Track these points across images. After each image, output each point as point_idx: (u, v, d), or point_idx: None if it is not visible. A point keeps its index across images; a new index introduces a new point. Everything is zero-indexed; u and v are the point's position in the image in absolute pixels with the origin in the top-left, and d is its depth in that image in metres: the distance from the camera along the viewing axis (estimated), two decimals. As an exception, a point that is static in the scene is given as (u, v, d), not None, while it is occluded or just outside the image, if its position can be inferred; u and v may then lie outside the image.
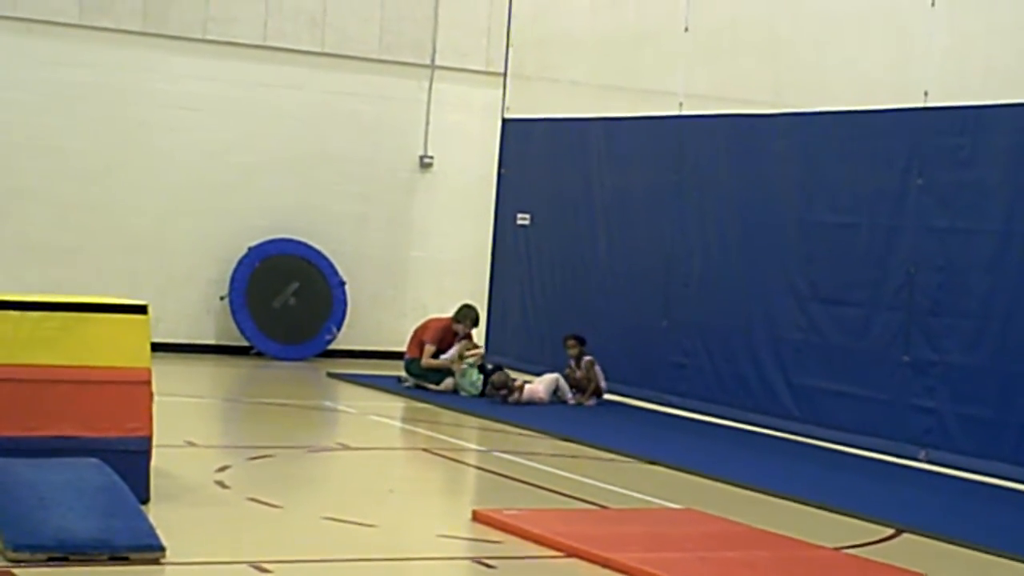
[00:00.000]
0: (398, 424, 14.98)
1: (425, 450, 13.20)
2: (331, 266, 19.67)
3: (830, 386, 13.78)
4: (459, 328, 16.89)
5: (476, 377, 16.35)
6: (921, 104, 13.09)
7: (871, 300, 13.46)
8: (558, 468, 12.02)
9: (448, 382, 16.57)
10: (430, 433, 14.10)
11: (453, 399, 16.05)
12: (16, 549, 7.62)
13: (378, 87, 20.06)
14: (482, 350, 16.94)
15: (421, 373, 16.69)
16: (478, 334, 17.49)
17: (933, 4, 13.08)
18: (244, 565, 7.98)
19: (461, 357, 16.60)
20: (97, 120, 18.71)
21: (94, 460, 8.63)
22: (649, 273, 16.14)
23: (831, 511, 10.72)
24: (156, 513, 8.61)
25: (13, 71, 18.33)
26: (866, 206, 13.59)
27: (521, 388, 16.03)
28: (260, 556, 8.15)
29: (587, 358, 16.27)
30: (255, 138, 19.46)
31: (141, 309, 9.50)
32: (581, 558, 8.56)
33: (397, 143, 20.24)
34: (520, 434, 14.08)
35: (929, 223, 12.99)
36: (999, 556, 9.53)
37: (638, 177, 16.41)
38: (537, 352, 17.42)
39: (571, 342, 16.38)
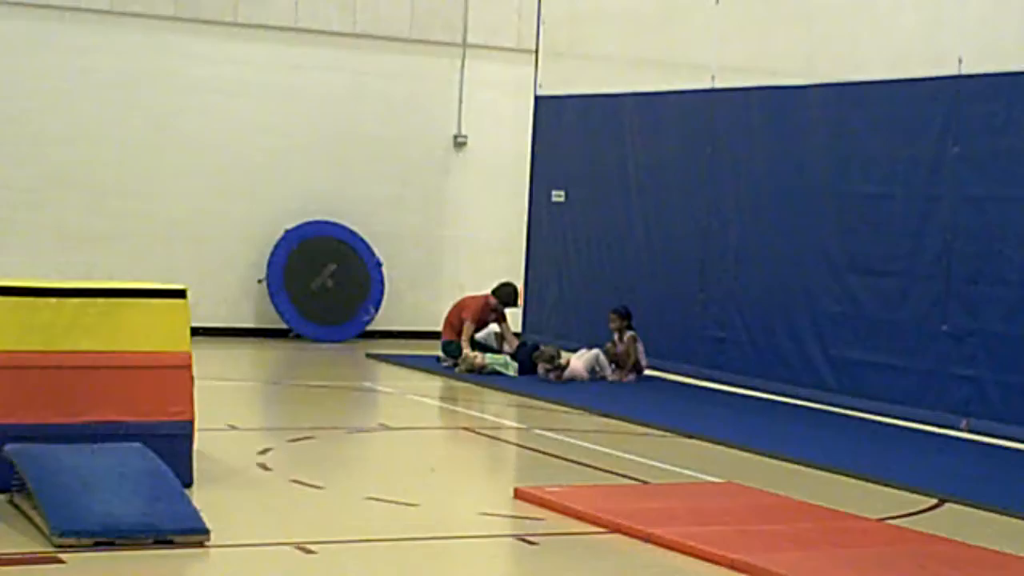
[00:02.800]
0: (438, 404, 15.02)
1: (465, 429, 13.22)
2: (368, 247, 19.71)
3: (869, 357, 13.75)
4: (498, 305, 16.91)
5: (511, 365, 16.27)
6: (955, 72, 13.02)
7: (908, 270, 13.43)
8: (598, 444, 12.03)
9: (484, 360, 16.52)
10: (470, 412, 14.13)
11: (492, 378, 16.05)
12: (62, 535, 7.67)
13: (410, 67, 20.07)
14: (477, 358, 16.35)
15: (459, 354, 16.69)
16: (512, 313, 17.46)
17: (966, -29, 13.03)
18: (289, 546, 8.02)
19: (470, 370, 16.35)
20: (131, 107, 18.77)
21: (137, 444, 8.67)
22: (685, 247, 16.12)
23: (873, 482, 10.70)
24: (199, 496, 8.65)
25: (46, 60, 18.40)
26: (902, 175, 13.55)
27: (566, 365, 16.01)
28: (304, 537, 8.19)
29: (629, 333, 16.24)
30: (289, 121, 19.50)
31: (180, 293, 9.52)
32: (623, 533, 8.57)
33: (430, 123, 20.25)
34: (560, 411, 14.09)
35: (966, 191, 12.93)
36: (1042, 524, 9.51)
37: (672, 151, 16.39)
38: (574, 328, 17.43)
39: (613, 315, 16.35)
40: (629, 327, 16.27)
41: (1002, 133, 12.65)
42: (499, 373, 16.19)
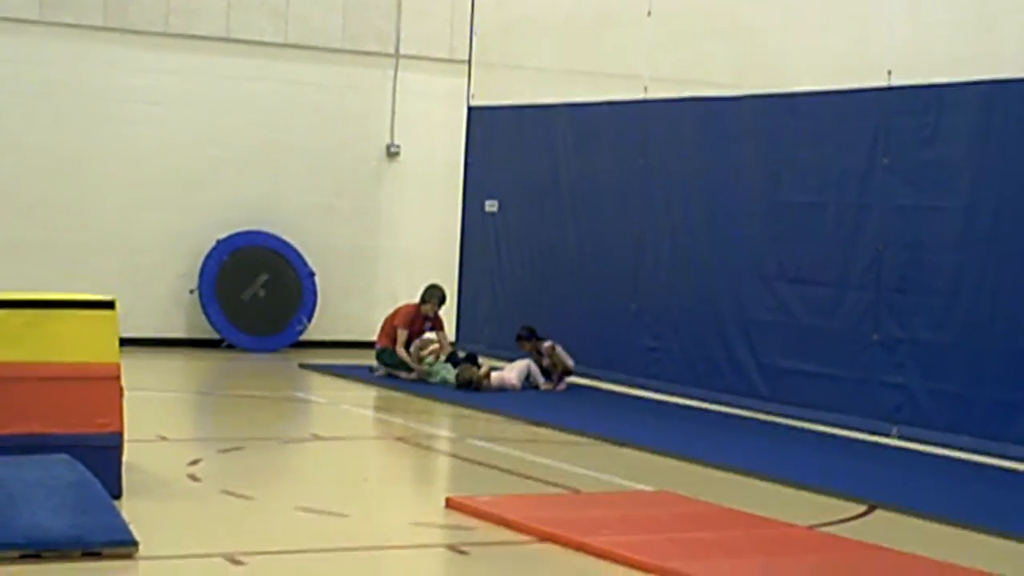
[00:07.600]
0: (370, 413, 14.98)
1: (398, 438, 13.19)
2: (300, 257, 19.64)
3: (800, 366, 13.82)
4: (426, 309, 16.82)
5: (447, 371, 16.29)
6: (885, 83, 13.12)
7: (839, 279, 13.50)
8: (531, 453, 12.03)
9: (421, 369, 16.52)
10: (402, 421, 14.10)
11: (425, 387, 16.03)
12: (-12, 547, 7.60)
13: (343, 77, 20.02)
14: (436, 345, 16.74)
15: (393, 362, 16.66)
16: (447, 318, 17.40)
17: (895, -18, 13.13)
18: (218, 558, 7.98)
19: (420, 359, 16.49)
20: (61, 116, 18.63)
21: (65, 456, 8.59)
22: (618, 257, 16.15)
23: (804, 489, 10.76)
24: (128, 508, 8.59)
25: (-26, 69, 18.26)
26: (833, 186, 13.62)
27: (487, 375, 16.01)
28: (234, 548, 8.15)
29: (546, 344, 16.24)
30: (220, 131, 19.40)
31: (108, 304, 9.47)
32: (555, 542, 8.58)
33: (363, 133, 20.21)
34: (492, 420, 14.09)
35: (895, 202, 13.02)
36: (972, 530, 9.57)
37: (604, 161, 16.42)
38: (508, 338, 17.37)
39: (520, 342, 16.39)
40: (539, 340, 16.27)
41: (931, 144, 12.75)
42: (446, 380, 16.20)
